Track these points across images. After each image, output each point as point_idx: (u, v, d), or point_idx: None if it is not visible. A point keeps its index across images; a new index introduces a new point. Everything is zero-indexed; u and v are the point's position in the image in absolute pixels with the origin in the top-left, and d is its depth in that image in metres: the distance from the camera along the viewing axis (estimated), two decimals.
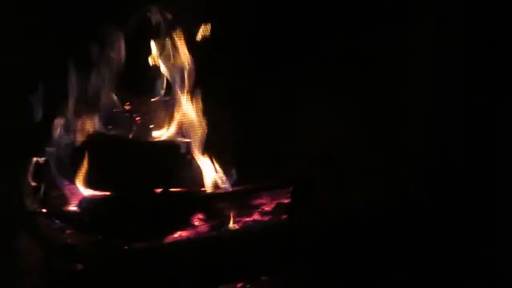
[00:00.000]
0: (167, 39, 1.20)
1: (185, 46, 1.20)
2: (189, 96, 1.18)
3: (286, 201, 1.12)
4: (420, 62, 1.24)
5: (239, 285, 0.96)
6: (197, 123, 1.17)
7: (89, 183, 0.97)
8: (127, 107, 1.15)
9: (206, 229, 1.02)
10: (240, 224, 1.07)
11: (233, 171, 1.15)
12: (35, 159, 1.05)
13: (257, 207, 1.12)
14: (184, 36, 1.20)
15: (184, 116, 1.17)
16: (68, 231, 0.95)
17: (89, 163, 0.95)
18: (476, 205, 1.13)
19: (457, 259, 1.04)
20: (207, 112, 1.19)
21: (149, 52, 1.22)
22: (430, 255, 1.04)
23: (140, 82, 1.22)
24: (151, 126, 1.17)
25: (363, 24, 1.26)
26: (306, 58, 1.30)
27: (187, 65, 1.19)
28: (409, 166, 1.20)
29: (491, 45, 1.14)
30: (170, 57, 1.20)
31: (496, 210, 1.12)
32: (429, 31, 1.23)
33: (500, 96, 1.14)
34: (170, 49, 1.19)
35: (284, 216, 1.10)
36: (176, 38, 1.19)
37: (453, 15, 1.19)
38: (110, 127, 1.08)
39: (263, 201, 1.13)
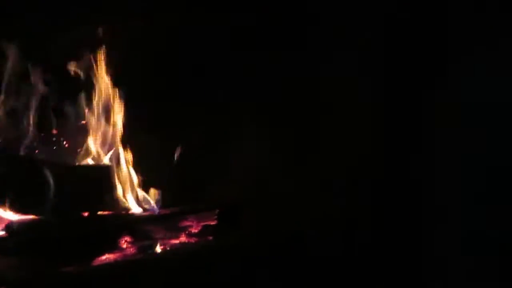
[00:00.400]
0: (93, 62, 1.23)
1: (108, 70, 1.24)
2: (114, 120, 1.21)
3: (212, 223, 1.18)
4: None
5: None
6: (123, 147, 1.20)
7: (14, 208, 0.95)
8: (54, 131, 1.15)
9: (134, 251, 1.05)
10: (167, 246, 1.11)
11: (160, 195, 1.19)
12: None
13: (184, 229, 1.17)
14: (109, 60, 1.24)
15: (110, 140, 1.20)
16: None
17: (15, 187, 0.94)
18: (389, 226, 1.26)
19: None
20: (134, 136, 1.23)
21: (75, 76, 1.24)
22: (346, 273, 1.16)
23: (64, 107, 1.22)
24: (78, 150, 1.18)
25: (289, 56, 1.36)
26: (230, 86, 1.39)
27: (111, 90, 1.22)
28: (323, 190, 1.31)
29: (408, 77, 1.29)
30: (96, 80, 1.23)
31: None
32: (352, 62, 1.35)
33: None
34: (96, 72, 1.23)
35: (210, 238, 1.16)
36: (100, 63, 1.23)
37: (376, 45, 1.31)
38: (36, 151, 1.07)
39: (189, 223, 1.19)
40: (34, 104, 1.16)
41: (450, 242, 1.17)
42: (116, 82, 1.24)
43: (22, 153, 1.04)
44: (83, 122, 1.22)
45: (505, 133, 1.14)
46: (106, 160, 1.19)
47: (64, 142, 1.17)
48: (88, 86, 1.23)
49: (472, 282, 1.13)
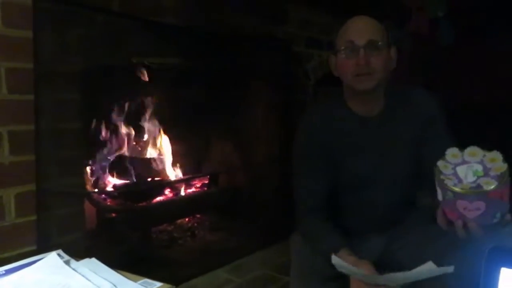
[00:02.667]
0: None
1: None
2: None
3: (206, 182, 2.52)
4: None
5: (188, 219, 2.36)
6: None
7: None
8: None
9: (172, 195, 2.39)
10: (186, 192, 2.45)
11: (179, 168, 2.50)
12: None
13: (194, 184, 2.51)
14: None
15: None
16: None
17: None
18: None
19: None
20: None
21: None
22: None
23: None
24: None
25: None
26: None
27: None
28: None
29: None
30: None
31: None
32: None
33: None
34: None
35: (205, 189, 2.50)
36: None
37: None
38: None
39: (196, 182, 2.51)
40: None
41: None
42: None
43: None
44: None
45: None
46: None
47: None
48: None
49: None
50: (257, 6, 2.24)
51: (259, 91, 2.50)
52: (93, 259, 1.11)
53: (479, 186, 0.83)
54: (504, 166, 0.85)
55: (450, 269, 0.95)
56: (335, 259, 1.05)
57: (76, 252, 1.18)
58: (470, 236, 0.89)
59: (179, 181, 2.40)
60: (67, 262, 1.08)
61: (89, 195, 2.05)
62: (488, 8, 4.09)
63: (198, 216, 2.51)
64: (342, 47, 1.18)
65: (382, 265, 1.11)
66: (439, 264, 0.97)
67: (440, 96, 1.29)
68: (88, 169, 2.18)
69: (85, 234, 1.69)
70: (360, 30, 1.16)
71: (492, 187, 0.82)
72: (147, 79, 2.06)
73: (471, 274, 0.83)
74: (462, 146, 0.94)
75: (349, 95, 1.25)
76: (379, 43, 1.15)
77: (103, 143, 2.22)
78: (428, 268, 0.98)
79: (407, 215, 1.33)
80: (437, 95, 1.29)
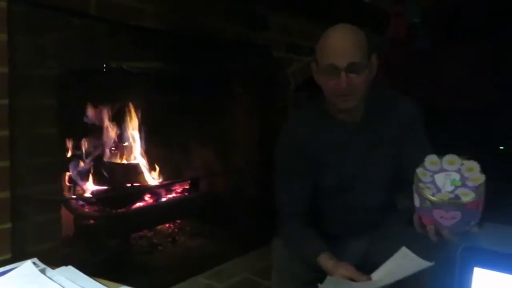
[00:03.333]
0: None
1: None
2: None
3: (187, 187, 2.50)
4: None
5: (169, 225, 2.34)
6: None
7: None
8: None
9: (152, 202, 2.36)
10: (166, 197, 2.43)
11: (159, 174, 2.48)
12: None
13: (174, 189, 2.48)
14: None
15: None
16: None
17: None
18: None
19: None
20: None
21: None
22: None
23: None
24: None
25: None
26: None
27: None
28: None
29: None
30: None
31: None
32: None
33: None
34: None
35: (186, 194, 2.48)
36: None
37: None
38: None
39: (177, 187, 2.49)
40: None
41: None
42: None
43: None
44: None
45: None
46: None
47: None
48: None
49: None
50: (238, 12, 2.24)
51: (239, 96, 2.50)
52: (70, 267, 1.08)
53: (457, 197, 0.85)
54: (481, 178, 0.87)
55: (429, 263, 0.96)
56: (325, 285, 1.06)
57: (53, 260, 1.15)
58: (443, 241, 0.91)
59: (159, 187, 2.37)
60: (42, 271, 1.05)
61: (66, 201, 2.01)
62: (465, 15, 4.20)
63: (178, 221, 2.49)
64: (324, 68, 1.17)
65: (362, 268, 1.12)
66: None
67: (417, 100, 1.31)
68: (65, 175, 2.14)
69: (62, 242, 1.65)
70: (341, 52, 1.14)
71: (469, 198, 0.84)
72: (126, 83, 2.04)
73: (447, 275, 0.84)
74: (437, 148, 0.95)
75: (330, 103, 1.27)
76: (360, 64, 1.15)
77: (81, 149, 2.18)
78: (403, 254, 1.00)
79: (387, 219, 1.35)
80: (416, 100, 1.31)
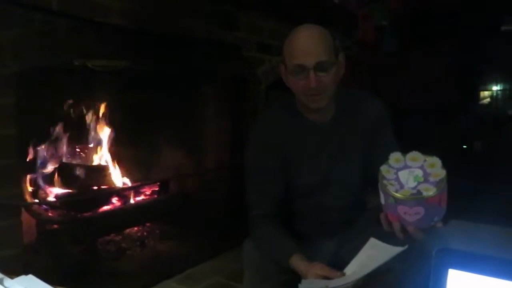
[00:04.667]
0: None
1: None
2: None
3: (157, 189, 2.44)
4: None
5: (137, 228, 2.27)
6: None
7: None
8: None
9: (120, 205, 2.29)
10: (135, 200, 2.36)
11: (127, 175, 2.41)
12: None
13: (143, 192, 2.42)
14: None
15: None
16: None
17: None
18: None
19: None
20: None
21: None
22: None
23: None
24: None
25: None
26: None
27: None
28: None
29: None
30: None
31: None
32: None
33: None
34: None
35: (155, 196, 2.42)
36: None
37: None
38: None
39: (146, 189, 2.43)
40: None
41: None
42: None
43: None
44: None
45: None
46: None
47: None
48: None
49: None
50: (207, 10, 2.21)
51: (209, 96, 2.47)
52: (30, 276, 1.02)
53: (419, 192, 0.86)
54: (442, 173, 0.88)
55: (400, 248, 0.97)
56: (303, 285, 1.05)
57: (13, 269, 1.09)
58: (410, 238, 0.92)
59: (127, 189, 2.31)
60: (0, 281, 0.99)
61: (27, 206, 1.92)
62: (431, 18, 4.32)
63: (147, 224, 2.42)
64: (292, 69, 1.17)
65: (334, 268, 1.12)
66: (388, 264, 0.99)
67: (384, 100, 1.33)
68: (26, 178, 2.05)
69: (23, 249, 1.57)
70: (308, 51, 1.13)
71: (431, 193, 0.85)
72: (91, 82, 1.97)
73: (419, 275, 0.85)
74: (404, 148, 0.96)
75: (301, 103, 1.26)
76: (328, 62, 1.15)
77: (43, 151, 2.09)
78: (372, 245, 1.01)
79: (357, 218, 1.35)
80: (384, 100, 1.33)
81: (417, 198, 0.85)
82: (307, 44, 1.15)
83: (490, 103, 5.71)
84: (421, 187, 0.87)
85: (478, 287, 0.51)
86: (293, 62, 1.16)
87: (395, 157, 0.93)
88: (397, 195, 0.86)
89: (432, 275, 0.53)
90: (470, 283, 0.52)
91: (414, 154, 0.92)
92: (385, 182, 0.89)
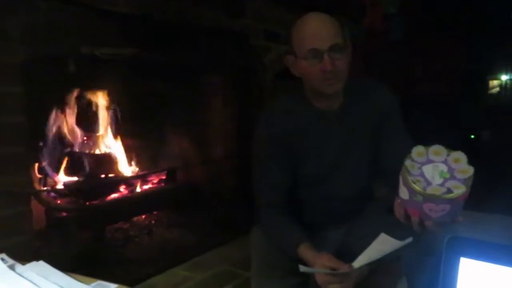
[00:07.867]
0: None
1: None
2: None
3: (164, 177, 2.45)
4: None
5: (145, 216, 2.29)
6: None
7: None
8: None
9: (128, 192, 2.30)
10: (143, 188, 2.37)
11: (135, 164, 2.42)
12: None
13: (151, 180, 2.43)
14: None
15: None
16: None
17: None
18: None
19: None
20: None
21: None
22: None
23: None
24: None
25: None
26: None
27: None
28: None
29: None
30: None
31: None
32: None
33: None
34: None
35: (162, 185, 2.43)
36: None
37: None
38: None
39: (153, 178, 2.44)
40: None
41: None
42: None
43: None
44: None
45: None
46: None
47: None
48: None
49: None
50: None
51: (216, 85, 2.46)
52: (41, 262, 1.03)
53: (449, 190, 0.84)
54: (470, 169, 0.85)
55: (408, 240, 0.97)
56: (302, 268, 1.05)
57: (23, 255, 1.10)
58: (427, 231, 0.91)
59: (134, 177, 2.32)
60: (11, 267, 1.00)
61: (36, 194, 1.93)
62: (440, 6, 4.25)
63: (155, 213, 2.44)
64: (305, 55, 1.15)
65: (341, 257, 1.12)
66: (397, 253, 0.99)
67: (392, 89, 1.31)
68: (35, 166, 2.06)
69: (33, 236, 1.59)
70: (321, 35, 1.13)
71: (460, 192, 0.83)
72: (98, 70, 1.97)
73: (429, 264, 0.84)
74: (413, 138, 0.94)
75: (310, 92, 1.25)
76: (341, 45, 1.15)
77: (52, 138, 2.10)
78: (382, 240, 1.00)
79: (365, 207, 1.35)
80: (391, 88, 1.31)
81: (447, 197, 0.83)
82: (319, 28, 1.15)
83: (499, 92, 5.64)
84: (450, 184, 0.84)
85: (490, 276, 0.51)
86: (306, 48, 1.15)
87: (418, 150, 0.90)
88: (427, 193, 0.84)
89: (443, 264, 0.53)
90: (482, 271, 0.51)
91: (437, 147, 0.89)
92: (411, 178, 0.86)
